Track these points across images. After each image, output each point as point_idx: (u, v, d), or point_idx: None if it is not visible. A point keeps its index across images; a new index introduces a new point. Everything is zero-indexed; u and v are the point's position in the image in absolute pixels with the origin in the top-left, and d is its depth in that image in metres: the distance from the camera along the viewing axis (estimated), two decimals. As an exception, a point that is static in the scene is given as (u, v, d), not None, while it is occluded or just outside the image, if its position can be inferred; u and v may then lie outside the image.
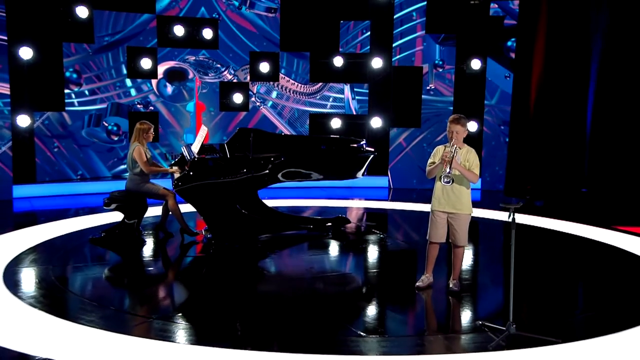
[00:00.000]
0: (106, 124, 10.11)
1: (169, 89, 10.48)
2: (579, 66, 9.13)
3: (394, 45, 10.36)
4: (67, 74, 9.72)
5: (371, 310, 4.64)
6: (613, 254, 6.26)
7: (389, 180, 10.55)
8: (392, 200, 9.52)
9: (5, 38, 8.65)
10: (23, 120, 9.03)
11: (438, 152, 4.71)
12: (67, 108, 9.74)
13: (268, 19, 10.62)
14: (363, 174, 6.68)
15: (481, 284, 5.31)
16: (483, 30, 10.03)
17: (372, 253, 6.38)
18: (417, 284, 4.93)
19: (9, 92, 8.73)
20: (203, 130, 6.61)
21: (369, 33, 10.64)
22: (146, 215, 6.58)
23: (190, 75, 10.51)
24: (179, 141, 10.47)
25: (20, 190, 9.00)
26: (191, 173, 6.05)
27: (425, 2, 10.18)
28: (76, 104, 9.89)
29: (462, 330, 4.25)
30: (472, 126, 10.01)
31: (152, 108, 10.37)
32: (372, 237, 6.92)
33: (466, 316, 4.54)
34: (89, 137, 10.02)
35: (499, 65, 10.16)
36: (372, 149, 6.83)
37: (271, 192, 8.30)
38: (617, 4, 8.72)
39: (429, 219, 4.83)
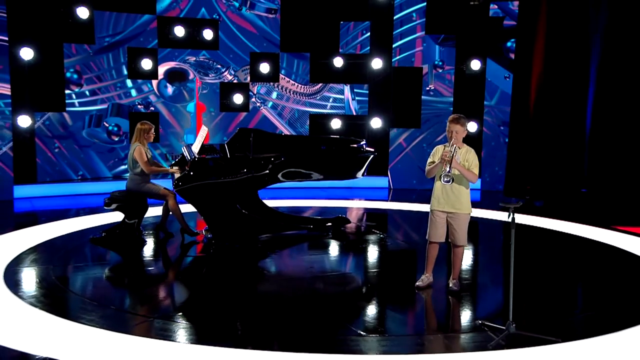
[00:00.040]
0: (107, 125, 10.13)
1: (170, 89, 10.49)
2: (579, 67, 9.14)
3: (393, 46, 10.38)
4: (68, 74, 9.74)
5: (371, 310, 4.65)
6: (612, 254, 6.28)
7: (389, 181, 10.56)
8: (392, 200, 9.53)
9: (6, 39, 8.67)
10: (24, 121, 9.04)
11: (437, 151, 4.73)
12: (67, 108, 9.76)
13: (268, 20, 10.64)
14: (363, 174, 6.69)
15: (481, 284, 5.32)
16: (483, 31, 10.05)
17: (372, 253, 6.40)
18: (417, 283, 4.94)
19: (9, 93, 8.75)
20: (203, 131, 6.63)
21: (369, 34, 10.66)
22: (147, 215, 6.60)
23: (191, 76, 10.53)
24: (180, 142, 10.48)
25: (21, 191, 9.01)
26: (191, 173, 6.07)
27: (425, 3, 10.19)
28: (77, 104, 9.90)
29: (462, 329, 4.26)
30: (472, 127, 10.02)
31: (152, 109, 10.38)
32: (372, 237, 6.93)
33: (466, 315, 4.55)
34: (89, 137, 10.04)
35: (499, 65, 10.17)
36: (372, 149, 6.85)
37: (271, 193, 8.32)
38: (616, 4, 8.73)
39: (428, 219, 4.85)
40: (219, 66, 10.59)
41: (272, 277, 5.60)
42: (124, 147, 10.17)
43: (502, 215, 7.68)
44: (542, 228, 7.39)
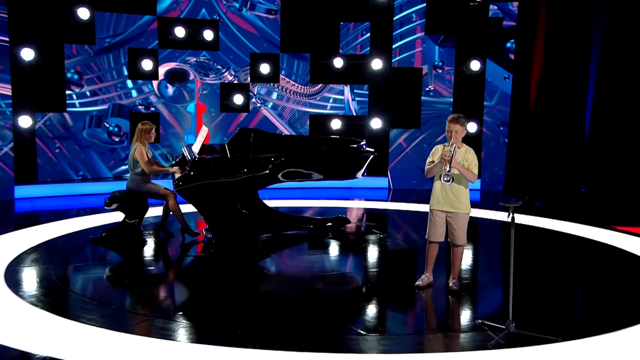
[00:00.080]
0: (107, 125, 10.14)
1: (170, 90, 10.51)
2: (578, 67, 9.15)
3: (393, 46, 10.39)
4: (69, 75, 9.76)
5: (371, 309, 4.66)
6: (612, 254, 6.29)
7: (388, 181, 10.57)
8: (392, 200, 9.54)
9: (7, 39, 8.69)
10: (25, 121, 9.06)
11: (437, 151, 4.74)
12: (68, 109, 9.77)
13: (268, 21, 10.65)
14: (363, 174, 6.70)
15: (481, 283, 5.33)
16: (482, 31, 10.06)
17: (372, 253, 6.41)
18: (417, 283, 4.95)
19: (10, 93, 8.76)
20: (204, 131, 6.64)
21: (368, 34, 10.68)
22: (147, 215, 6.61)
23: (191, 77, 10.54)
24: (180, 142, 10.50)
25: (22, 191, 9.03)
26: (192, 173, 6.08)
27: (424, 4, 10.21)
28: (77, 105, 9.92)
29: (461, 328, 4.27)
30: (472, 127, 10.04)
31: (153, 109, 10.40)
32: (372, 237, 6.94)
33: (466, 315, 4.56)
34: (90, 138, 10.05)
35: (498, 66, 10.18)
36: (372, 150, 6.86)
37: (271, 193, 8.33)
38: (616, 5, 8.75)
39: (427, 219, 4.86)
40: (219, 67, 10.60)
41: (272, 277, 5.61)
42: (125, 147, 10.18)
43: (501, 216, 7.69)
44: (542, 228, 7.40)
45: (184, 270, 5.85)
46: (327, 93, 10.95)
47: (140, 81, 10.29)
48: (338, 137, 8.88)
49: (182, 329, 4.08)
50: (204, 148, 6.63)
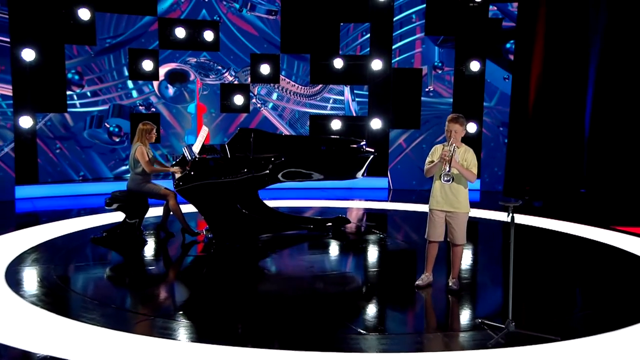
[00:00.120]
0: (108, 126, 10.16)
1: (170, 90, 10.52)
2: (578, 67, 9.17)
3: (393, 47, 10.41)
4: (69, 75, 9.77)
5: (371, 309, 4.67)
6: (611, 254, 6.30)
7: (388, 181, 10.59)
8: (392, 201, 9.55)
9: (8, 40, 8.70)
10: (25, 122, 9.08)
11: (436, 150, 4.75)
12: (69, 109, 9.79)
13: (269, 22, 10.67)
14: (363, 174, 6.71)
15: (480, 283, 5.34)
16: (482, 32, 10.08)
17: (372, 253, 6.42)
18: (417, 282, 4.96)
19: (11, 94, 8.77)
20: (204, 131, 6.65)
21: (368, 35, 10.69)
22: (147, 215, 6.62)
23: (192, 77, 10.56)
24: (180, 142, 10.51)
25: (23, 191, 9.04)
26: (192, 173, 6.09)
27: (424, 5, 10.23)
28: (78, 105, 9.93)
29: (461, 328, 4.28)
30: (472, 127, 10.06)
31: (153, 109, 10.41)
32: (372, 237, 6.96)
33: (465, 314, 4.57)
34: (90, 138, 10.07)
35: (498, 67, 10.20)
36: (372, 150, 6.87)
37: (272, 193, 8.34)
38: (615, 5, 8.77)
39: (427, 218, 4.87)
40: (219, 67, 10.62)
41: (272, 277, 5.62)
42: (125, 148, 10.20)
43: (501, 216, 7.71)
44: (542, 228, 7.41)
45: (185, 270, 5.86)
46: (327, 94, 10.97)
47: (140, 82, 10.31)
48: (338, 137, 8.89)
49: (182, 328, 4.09)
50: (204, 148, 6.64)
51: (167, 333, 3.95)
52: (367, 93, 10.86)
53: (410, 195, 9.81)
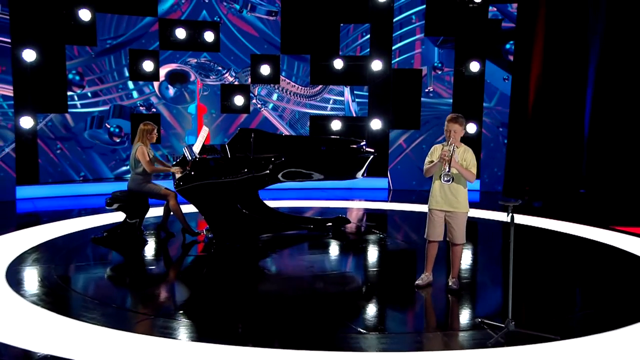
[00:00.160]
0: (108, 126, 10.17)
1: (171, 91, 10.54)
2: (577, 68, 9.18)
3: (393, 48, 10.42)
4: (70, 76, 9.79)
5: (371, 308, 4.68)
6: (611, 254, 6.31)
7: (388, 182, 10.60)
8: (392, 201, 9.56)
9: (9, 40, 8.72)
10: (26, 122, 9.09)
11: (436, 150, 4.76)
12: (69, 110, 9.80)
13: (269, 22, 10.69)
14: (363, 175, 6.73)
15: (480, 283, 5.35)
16: (481, 33, 10.09)
17: (372, 253, 6.43)
18: (417, 282, 4.97)
19: (12, 94, 8.79)
20: (204, 131, 6.67)
21: (368, 36, 10.71)
22: (148, 215, 6.63)
23: (192, 78, 10.58)
24: (181, 143, 10.53)
25: (24, 191, 9.05)
26: (192, 173, 6.10)
27: (424, 5, 10.24)
28: (79, 106, 9.95)
29: (461, 327, 4.29)
30: (471, 128, 10.07)
31: (154, 110, 10.43)
32: (371, 237, 6.97)
33: (465, 314, 4.58)
34: (91, 138, 10.08)
35: (498, 67, 10.21)
36: (372, 150, 6.88)
37: (272, 193, 8.35)
38: (615, 6, 8.78)
39: (426, 218, 4.88)
40: (220, 68, 10.64)
41: (272, 277, 5.63)
42: (126, 148, 10.21)
43: (501, 216, 7.72)
44: (541, 228, 7.42)
45: (185, 269, 5.87)
46: (327, 94, 10.98)
47: (141, 82, 10.32)
48: (338, 137, 8.90)
49: (182, 328, 4.10)
50: (204, 148, 6.65)
51: (167, 332, 3.96)
52: (367, 94, 10.88)
53: (410, 196, 9.82)
